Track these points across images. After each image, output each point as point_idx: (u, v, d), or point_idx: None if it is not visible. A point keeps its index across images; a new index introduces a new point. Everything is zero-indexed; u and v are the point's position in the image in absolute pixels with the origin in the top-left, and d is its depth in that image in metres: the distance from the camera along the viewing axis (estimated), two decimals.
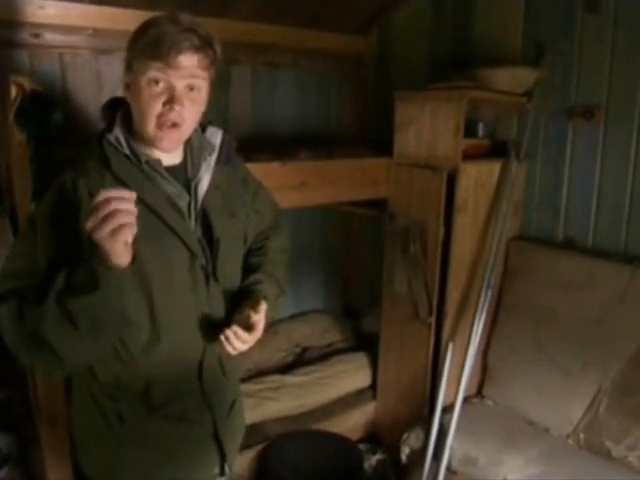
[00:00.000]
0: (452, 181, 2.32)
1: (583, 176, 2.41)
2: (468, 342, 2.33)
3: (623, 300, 2.21)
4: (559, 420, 2.32)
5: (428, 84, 2.47)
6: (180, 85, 1.19)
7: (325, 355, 2.95)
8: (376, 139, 2.89)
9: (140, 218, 1.07)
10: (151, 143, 1.24)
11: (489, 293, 2.37)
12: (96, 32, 2.35)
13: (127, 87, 1.23)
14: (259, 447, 2.41)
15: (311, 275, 3.30)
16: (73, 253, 1.13)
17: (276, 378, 2.66)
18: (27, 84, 1.58)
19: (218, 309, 1.35)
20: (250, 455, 2.38)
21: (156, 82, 1.17)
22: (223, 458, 1.43)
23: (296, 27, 2.87)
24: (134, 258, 1.13)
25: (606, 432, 2.17)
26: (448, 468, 2.25)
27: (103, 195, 1.01)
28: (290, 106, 3.01)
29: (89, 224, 1.01)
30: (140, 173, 1.23)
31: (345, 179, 2.38)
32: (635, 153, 2.25)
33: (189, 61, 1.18)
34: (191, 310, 1.30)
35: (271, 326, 2.66)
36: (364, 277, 3.44)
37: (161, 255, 1.23)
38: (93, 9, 2.31)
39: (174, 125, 1.21)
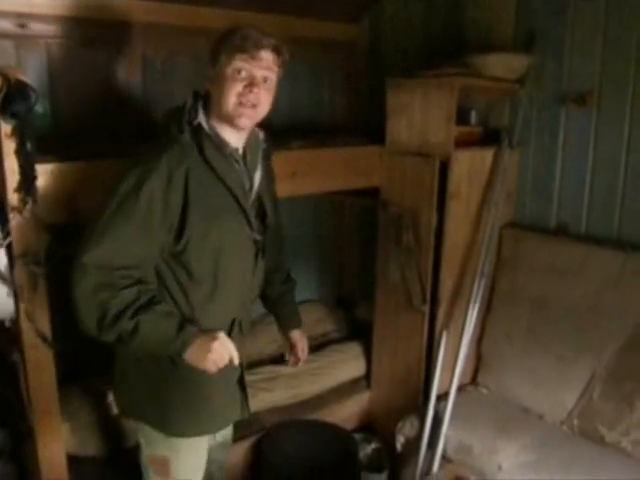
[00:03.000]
0: (445, 169, 2.31)
1: (576, 162, 2.40)
2: (462, 330, 2.33)
3: (616, 286, 2.21)
4: (553, 407, 2.32)
5: (418, 71, 2.45)
6: (259, 75, 1.47)
7: (319, 345, 2.94)
8: (368, 127, 2.88)
9: (221, 196, 1.47)
10: (230, 121, 1.48)
11: (483, 281, 2.36)
12: (83, 22, 2.31)
13: (211, 79, 1.50)
14: (254, 438, 2.41)
15: (304, 265, 3.29)
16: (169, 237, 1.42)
17: (270, 369, 2.66)
18: (12, 74, 1.55)
19: (259, 279, 1.69)
20: (245, 445, 2.38)
21: (239, 71, 1.45)
22: (245, 401, 1.69)
23: (287, 15, 2.84)
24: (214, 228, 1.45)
25: (600, 418, 2.18)
26: (443, 456, 2.25)
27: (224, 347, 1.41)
28: (281, 95, 2.94)
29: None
30: (223, 158, 1.49)
31: (337, 168, 2.37)
32: (627, 139, 2.24)
33: (268, 56, 1.48)
34: (243, 277, 1.59)
35: (265, 316, 2.65)
36: (357, 266, 3.44)
37: (233, 228, 1.51)
38: None
39: (253, 106, 1.47)
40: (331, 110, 3.20)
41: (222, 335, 1.42)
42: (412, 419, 2.41)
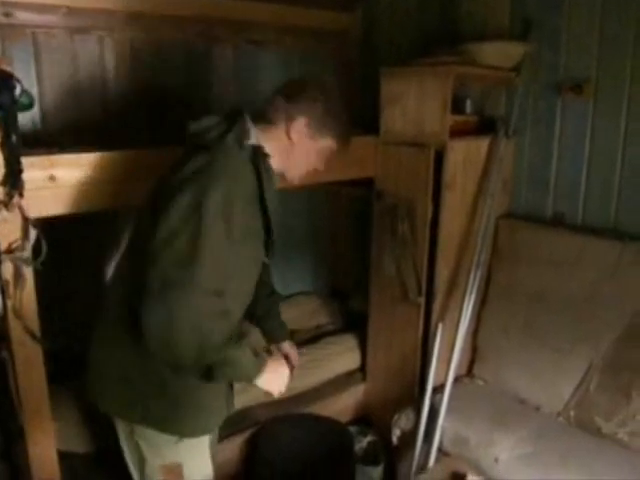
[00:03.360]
0: (440, 158, 2.28)
1: (572, 152, 2.38)
2: (458, 322, 2.31)
3: (613, 276, 2.19)
4: (550, 398, 2.31)
5: (412, 59, 2.41)
6: None
7: (313, 337, 2.92)
8: (362, 117, 2.84)
9: (258, 220, 1.48)
10: (288, 175, 1.63)
11: (479, 273, 2.34)
12: (71, 10, 2.27)
13: (301, 135, 1.56)
14: (248, 432, 2.39)
15: (298, 257, 3.26)
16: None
17: None
18: None
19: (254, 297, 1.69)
20: (240, 440, 2.36)
21: (325, 155, 1.64)
22: (232, 397, 1.72)
23: (279, 3, 2.80)
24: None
25: (597, 409, 2.16)
26: (439, 449, 2.23)
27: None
28: (274, 85, 2.92)
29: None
30: (272, 186, 1.50)
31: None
32: (625, 128, 2.22)
33: None
34: (248, 297, 1.62)
35: None
36: (352, 257, 3.41)
37: (258, 254, 1.56)
38: None
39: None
40: None
41: (284, 362, 1.63)
42: (408, 412, 2.40)
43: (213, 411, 1.58)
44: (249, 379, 1.49)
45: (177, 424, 1.52)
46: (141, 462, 1.60)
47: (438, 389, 2.36)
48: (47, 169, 1.64)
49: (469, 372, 2.62)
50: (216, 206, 1.32)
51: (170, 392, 1.49)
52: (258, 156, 1.47)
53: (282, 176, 1.61)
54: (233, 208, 1.35)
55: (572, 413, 2.23)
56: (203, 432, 1.58)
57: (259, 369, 1.47)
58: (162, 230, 1.31)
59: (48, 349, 1.76)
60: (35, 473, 1.83)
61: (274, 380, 1.56)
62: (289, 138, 1.55)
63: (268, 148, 1.52)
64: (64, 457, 1.95)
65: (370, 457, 2.55)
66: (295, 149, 1.57)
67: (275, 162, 1.53)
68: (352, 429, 2.63)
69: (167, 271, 1.28)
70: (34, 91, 2.19)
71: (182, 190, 1.33)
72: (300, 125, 1.54)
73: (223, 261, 1.34)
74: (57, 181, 1.67)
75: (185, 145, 1.54)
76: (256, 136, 1.52)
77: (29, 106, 1.56)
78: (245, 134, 1.49)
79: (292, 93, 1.57)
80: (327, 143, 1.61)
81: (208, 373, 1.36)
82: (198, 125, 1.52)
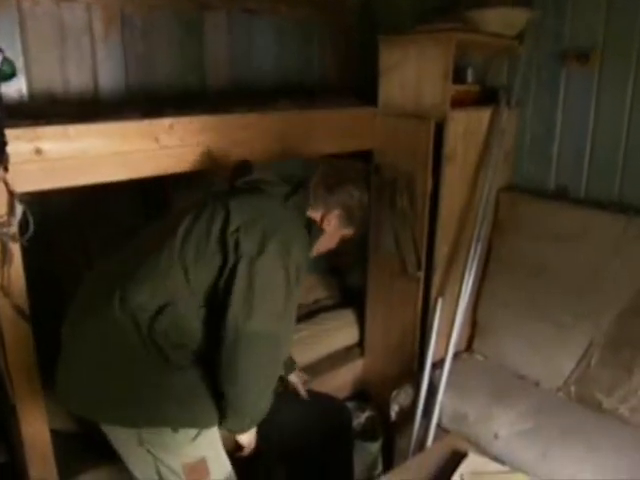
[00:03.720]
0: (440, 130, 2.21)
1: (576, 123, 2.31)
2: (458, 297, 2.27)
3: (617, 251, 2.14)
4: (549, 373, 2.28)
5: (412, 27, 2.33)
6: None
7: (311, 313, 2.88)
8: (360, 88, 2.77)
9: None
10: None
11: (479, 247, 2.29)
12: None
13: (333, 222, 1.76)
14: None
15: None
16: None
17: None
18: None
19: None
20: None
21: (343, 239, 1.85)
22: None
23: None
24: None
25: (598, 384, 2.13)
26: (438, 425, 2.21)
27: None
28: (269, 55, 2.85)
29: None
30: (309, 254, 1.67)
31: (328, 130, 2.27)
32: (631, 98, 2.15)
33: None
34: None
35: None
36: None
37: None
38: None
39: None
40: (321, 69, 3.07)
41: None
42: (407, 387, 2.37)
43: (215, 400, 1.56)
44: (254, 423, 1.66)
45: (191, 418, 1.51)
46: (155, 468, 1.55)
47: (437, 364, 2.33)
48: (33, 142, 1.57)
49: (468, 347, 2.59)
50: (295, 267, 1.49)
51: (175, 390, 1.48)
52: (312, 228, 1.67)
53: None
54: (301, 272, 1.53)
55: (572, 388, 2.20)
56: (216, 421, 1.56)
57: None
58: (244, 285, 1.44)
59: (38, 328, 1.72)
60: (27, 451, 1.81)
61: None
62: (321, 224, 1.73)
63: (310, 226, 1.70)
64: (57, 436, 1.92)
65: (368, 433, 2.53)
66: (325, 228, 1.74)
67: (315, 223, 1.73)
68: (350, 405, 2.61)
69: (265, 322, 1.46)
70: (19, 61, 2.11)
71: (265, 246, 1.46)
72: (333, 216, 1.74)
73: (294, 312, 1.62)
74: (44, 154, 1.60)
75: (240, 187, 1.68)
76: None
77: (11, 75, 1.49)
78: (306, 205, 1.69)
79: (331, 185, 1.74)
80: (348, 232, 1.82)
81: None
82: (262, 176, 1.69)
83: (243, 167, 1.74)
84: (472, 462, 1.57)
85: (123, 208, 2.45)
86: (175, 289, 1.47)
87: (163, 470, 1.53)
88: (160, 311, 1.45)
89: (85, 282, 1.64)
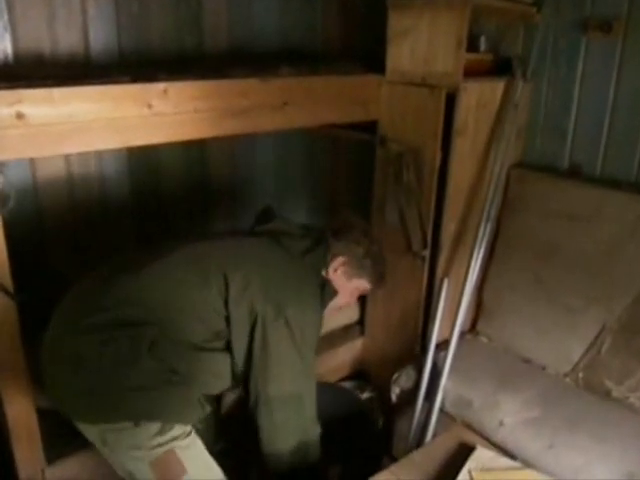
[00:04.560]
0: (451, 101, 2.09)
1: (595, 97, 2.19)
2: (465, 278, 2.16)
3: (633, 234, 2.04)
4: (557, 358, 2.20)
5: None
6: None
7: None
8: (366, 54, 2.63)
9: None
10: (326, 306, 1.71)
11: (489, 226, 2.18)
12: None
13: (339, 272, 1.75)
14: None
15: (295, 204, 3.08)
16: None
17: None
18: None
19: None
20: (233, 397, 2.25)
21: (358, 293, 1.87)
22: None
23: None
24: None
25: (607, 372, 2.05)
26: (441, 409, 2.13)
27: None
28: (270, 17, 2.69)
29: None
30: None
31: (332, 98, 2.13)
32: None
33: None
34: None
35: None
36: (352, 206, 3.23)
37: None
38: None
39: None
40: (324, 33, 2.91)
41: None
42: (409, 369, 2.29)
43: (191, 403, 1.50)
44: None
45: (149, 409, 1.42)
46: (124, 467, 1.49)
47: (440, 346, 2.25)
48: (13, 105, 1.44)
49: (472, 328, 2.50)
50: (310, 330, 1.54)
51: (130, 382, 1.41)
52: (325, 289, 1.66)
53: None
54: (315, 334, 1.59)
55: (581, 375, 2.12)
56: (183, 418, 1.48)
57: None
58: (260, 349, 1.49)
59: (22, 303, 1.62)
60: (12, 432, 1.73)
61: None
62: (327, 272, 1.70)
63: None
64: (45, 415, 1.84)
65: (367, 414, 2.46)
66: (335, 281, 1.71)
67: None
68: (349, 384, 2.54)
69: (284, 386, 1.51)
70: (4, 19, 1.97)
71: (283, 307, 1.49)
72: (339, 263, 1.71)
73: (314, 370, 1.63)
74: (26, 119, 1.47)
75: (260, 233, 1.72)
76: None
77: None
78: (322, 263, 1.68)
79: (339, 231, 1.74)
80: (361, 284, 1.80)
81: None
82: (285, 226, 1.72)
83: (266, 213, 1.78)
84: (480, 456, 1.49)
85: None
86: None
87: (132, 468, 1.46)
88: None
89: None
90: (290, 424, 1.53)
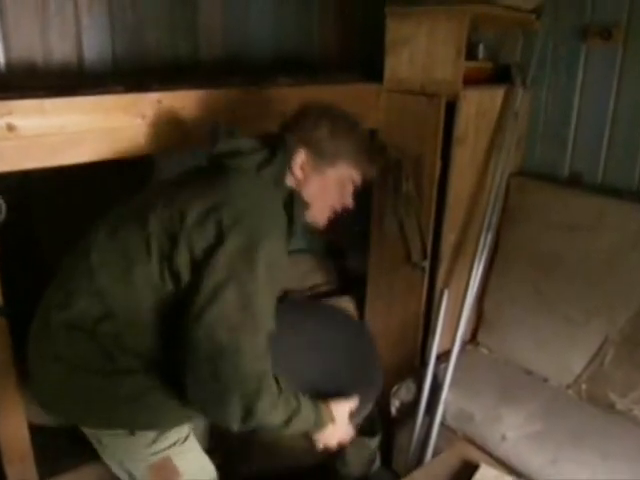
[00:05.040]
0: (450, 110, 2.06)
1: (595, 104, 2.16)
2: (466, 289, 2.13)
3: (635, 244, 2.01)
4: (559, 370, 2.17)
5: None
6: None
7: (308, 299, 2.75)
8: (364, 62, 2.60)
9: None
10: (309, 218, 1.44)
11: (489, 236, 2.15)
12: None
13: (307, 168, 1.40)
14: None
15: None
16: None
17: None
18: None
19: None
20: None
21: (344, 186, 1.47)
22: None
23: None
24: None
25: (611, 384, 2.02)
26: (442, 423, 2.10)
27: None
28: (266, 24, 2.66)
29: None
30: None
31: None
32: None
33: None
34: None
35: None
36: (350, 214, 3.20)
37: None
38: None
39: None
40: (321, 40, 2.87)
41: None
42: (408, 382, 2.25)
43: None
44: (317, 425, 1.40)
45: (146, 420, 1.36)
46: (123, 471, 1.45)
47: (441, 358, 2.22)
48: (4, 117, 1.41)
49: (473, 339, 2.47)
50: (265, 258, 1.20)
51: (123, 393, 1.32)
52: (294, 202, 1.35)
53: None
54: (279, 259, 1.26)
55: (583, 387, 2.09)
56: (179, 422, 1.42)
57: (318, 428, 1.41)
58: (205, 285, 1.18)
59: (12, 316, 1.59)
60: (4, 449, 1.70)
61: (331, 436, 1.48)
62: (293, 179, 1.40)
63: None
64: (38, 431, 1.80)
65: (366, 427, 2.41)
66: (306, 189, 1.41)
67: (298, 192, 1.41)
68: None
69: (219, 334, 1.16)
70: None
71: (226, 238, 1.19)
72: (301, 159, 1.39)
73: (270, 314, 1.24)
74: (17, 131, 1.44)
75: (208, 163, 1.42)
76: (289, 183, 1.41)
77: None
78: (286, 171, 1.37)
79: (290, 123, 1.43)
80: (341, 172, 1.44)
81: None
82: (229, 146, 1.37)
83: (214, 132, 1.43)
84: (484, 475, 1.45)
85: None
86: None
87: (131, 473, 1.43)
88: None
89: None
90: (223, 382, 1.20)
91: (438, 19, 2.02)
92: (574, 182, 2.27)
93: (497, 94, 2.19)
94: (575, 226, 2.16)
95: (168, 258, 1.23)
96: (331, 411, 1.43)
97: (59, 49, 2.10)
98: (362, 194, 2.49)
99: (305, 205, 1.39)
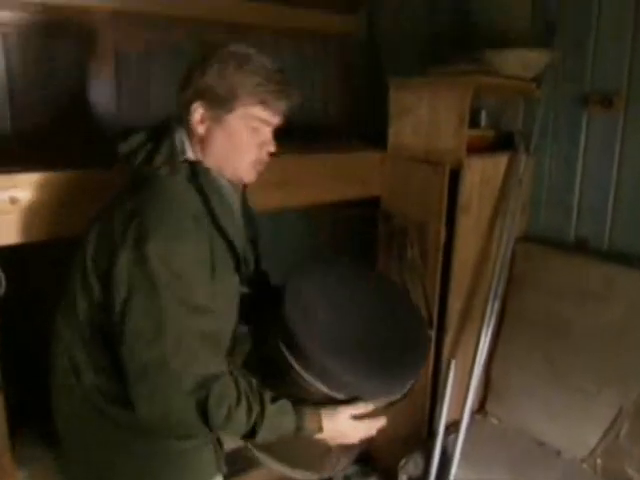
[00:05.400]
0: (454, 177, 2.06)
1: (599, 171, 2.16)
2: (473, 359, 2.08)
3: None
4: (573, 443, 2.09)
5: (424, 67, 2.19)
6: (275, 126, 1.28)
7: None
8: (366, 129, 2.62)
9: (222, 251, 1.21)
10: (231, 178, 1.27)
11: (496, 304, 2.11)
12: (46, 9, 2.04)
13: (207, 122, 1.22)
14: None
15: None
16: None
17: None
18: None
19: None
20: None
21: (258, 130, 1.24)
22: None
23: (276, 4, 2.57)
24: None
25: (628, 458, 1.94)
26: None
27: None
28: None
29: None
30: (223, 206, 1.23)
31: (333, 176, 2.11)
32: None
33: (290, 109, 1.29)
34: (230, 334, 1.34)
35: None
36: None
37: (231, 289, 1.30)
38: None
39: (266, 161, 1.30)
40: (324, 109, 2.93)
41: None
42: (416, 456, 2.17)
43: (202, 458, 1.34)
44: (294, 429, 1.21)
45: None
46: None
47: (449, 429, 2.14)
48: (8, 190, 1.41)
49: (481, 408, 2.39)
50: (159, 261, 1.07)
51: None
52: (198, 174, 1.19)
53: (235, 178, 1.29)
54: (184, 255, 1.10)
55: (599, 461, 2.01)
56: (213, 472, 1.36)
57: (308, 431, 1.22)
58: (116, 302, 1.10)
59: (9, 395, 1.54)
60: None
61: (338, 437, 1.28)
62: (193, 148, 1.24)
63: (199, 155, 1.25)
64: None
65: None
66: (213, 145, 1.23)
67: (213, 170, 1.24)
68: (352, 469, 2.40)
69: (138, 352, 1.08)
70: (3, 92, 1.96)
71: (116, 253, 1.09)
72: (197, 113, 1.21)
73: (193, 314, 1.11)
74: (20, 204, 1.43)
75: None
76: (191, 148, 1.24)
77: None
78: (176, 150, 1.21)
79: (182, 80, 1.23)
80: (244, 113, 1.21)
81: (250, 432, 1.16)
82: (128, 145, 1.24)
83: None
84: None
85: None
86: None
87: None
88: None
89: None
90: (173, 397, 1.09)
91: (440, 89, 2.04)
92: (580, 247, 2.24)
93: (500, 161, 2.19)
94: (584, 294, 2.12)
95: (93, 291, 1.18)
96: (319, 420, 1.24)
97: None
98: (367, 262, 2.50)
99: (207, 170, 1.23)
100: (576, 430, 2.08)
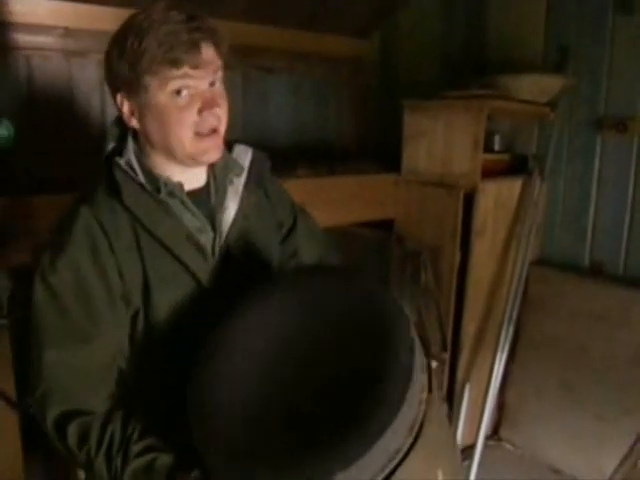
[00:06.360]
0: (469, 201, 2.06)
1: (613, 195, 2.16)
2: (488, 384, 2.07)
3: None
4: (589, 470, 2.07)
5: (438, 92, 2.20)
6: (205, 85, 1.03)
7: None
8: (379, 152, 2.63)
9: (156, 260, 1.03)
10: (189, 162, 1.07)
11: (510, 328, 2.10)
12: (68, 32, 2.08)
13: (136, 112, 1.05)
14: None
15: None
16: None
17: None
18: None
19: None
20: None
21: (179, 92, 1.01)
22: None
23: (291, 28, 2.61)
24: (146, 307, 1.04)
25: None
26: None
27: None
28: (284, 115, 2.74)
29: None
30: (156, 205, 1.05)
31: (348, 198, 2.12)
32: None
33: (209, 54, 1.02)
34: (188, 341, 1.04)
35: None
36: None
37: (175, 303, 1.06)
38: (66, 6, 2.03)
39: (214, 130, 1.05)
40: (338, 132, 2.95)
41: None
42: None
43: None
44: None
45: None
46: None
47: (462, 454, 2.11)
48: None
49: (495, 433, 2.37)
50: (40, 276, 1.00)
51: None
52: (112, 177, 1.05)
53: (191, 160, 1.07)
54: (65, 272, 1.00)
55: None
56: None
57: None
58: None
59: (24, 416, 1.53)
60: None
61: None
62: (135, 129, 1.09)
63: (146, 150, 1.09)
64: None
65: None
66: (150, 130, 1.06)
67: (157, 155, 1.08)
68: None
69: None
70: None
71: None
72: (125, 107, 1.05)
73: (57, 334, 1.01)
74: None
75: None
76: (132, 148, 1.09)
77: (7, 140, 1.33)
78: (118, 150, 1.10)
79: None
80: (159, 84, 1.00)
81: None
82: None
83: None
84: None
85: None
86: None
87: None
88: None
89: None
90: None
91: (455, 112, 2.05)
92: (595, 271, 2.23)
93: (515, 185, 2.20)
94: (600, 318, 2.11)
95: None
96: None
97: None
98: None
99: (169, 154, 1.07)
100: (593, 457, 2.06)
